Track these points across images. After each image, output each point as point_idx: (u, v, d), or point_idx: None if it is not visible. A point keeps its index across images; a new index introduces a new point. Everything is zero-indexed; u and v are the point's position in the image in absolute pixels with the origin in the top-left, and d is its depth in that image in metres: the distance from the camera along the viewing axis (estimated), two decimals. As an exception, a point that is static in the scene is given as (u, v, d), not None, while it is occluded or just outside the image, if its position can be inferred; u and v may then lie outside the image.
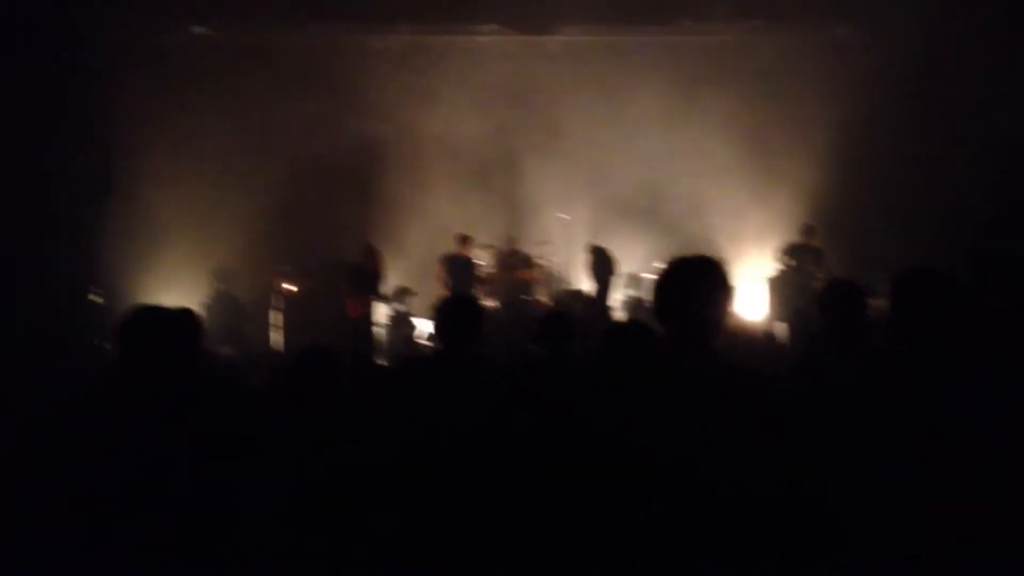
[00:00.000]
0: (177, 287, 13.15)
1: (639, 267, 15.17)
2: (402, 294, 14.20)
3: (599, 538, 2.59)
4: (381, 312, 14.07)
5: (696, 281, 2.80)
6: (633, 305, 14.46)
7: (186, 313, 3.52)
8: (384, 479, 3.78)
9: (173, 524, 3.08)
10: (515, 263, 14.27)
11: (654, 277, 10.90)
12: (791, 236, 14.25)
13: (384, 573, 3.63)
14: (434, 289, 13.95)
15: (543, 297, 14.27)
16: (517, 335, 12.02)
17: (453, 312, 4.64)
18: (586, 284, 14.25)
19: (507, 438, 3.64)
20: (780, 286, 14.01)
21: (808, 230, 13.97)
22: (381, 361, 11.91)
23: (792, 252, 13.93)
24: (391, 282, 14.17)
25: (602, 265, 13.98)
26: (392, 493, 3.73)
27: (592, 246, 14.20)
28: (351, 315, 12.50)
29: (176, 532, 3.08)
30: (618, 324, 4.33)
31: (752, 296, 13.84)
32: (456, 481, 3.66)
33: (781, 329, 11.58)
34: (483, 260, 14.48)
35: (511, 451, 3.37)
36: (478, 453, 3.69)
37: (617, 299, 14.57)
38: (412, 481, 3.75)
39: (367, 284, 12.60)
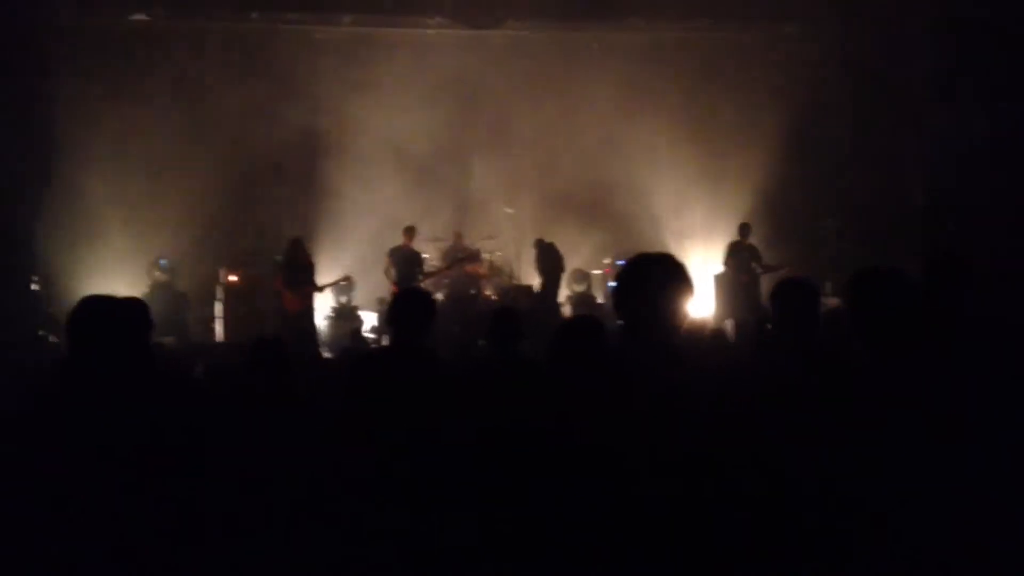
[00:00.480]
0: (117, 277, 12.89)
1: (586, 263, 15.22)
2: (345, 286, 14.09)
3: (554, 533, 2.57)
4: (325, 305, 13.96)
5: (658, 278, 2.80)
6: (581, 301, 14.52)
7: (135, 303, 3.44)
8: (338, 474, 3.73)
9: (134, 518, 3.01)
10: (461, 257, 14.23)
11: (602, 273, 10.93)
12: (735, 234, 14.40)
13: (341, 569, 3.59)
14: (379, 281, 13.87)
15: (490, 292, 14.25)
16: (464, 330, 11.98)
17: (404, 304, 4.59)
18: (534, 279, 14.28)
19: (461, 434, 3.61)
20: (724, 284, 14.17)
21: (743, 228, 14.10)
22: (327, 354, 11.79)
23: (730, 251, 14.08)
24: (335, 274, 14.06)
25: (550, 260, 14.03)
26: (347, 488, 3.68)
27: (540, 241, 14.23)
28: (289, 309, 12.39)
29: (135, 526, 3.02)
30: (571, 320, 4.31)
31: (699, 293, 13.96)
32: (411, 477, 3.62)
33: (729, 326, 11.70)
34: (429, 253, 14.41)
35: (466, 447, 3.34)
36: (433, 449, 3.65)
37: (564, 294, 14.62)
38: (367, 476, 3.71)
39: (300, 277, 12.51)
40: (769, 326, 5.49)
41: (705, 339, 8.35)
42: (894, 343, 3.20)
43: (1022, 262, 9.93)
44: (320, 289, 12.81)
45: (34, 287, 11.56)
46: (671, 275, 2.82)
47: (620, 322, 2.94)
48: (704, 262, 14.11)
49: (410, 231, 13.76)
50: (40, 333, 11.26)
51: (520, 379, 4.57)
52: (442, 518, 3.50)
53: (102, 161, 13.63)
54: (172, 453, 3.16)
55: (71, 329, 3.23)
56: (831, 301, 9.10)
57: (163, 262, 13.33)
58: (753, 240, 14.10)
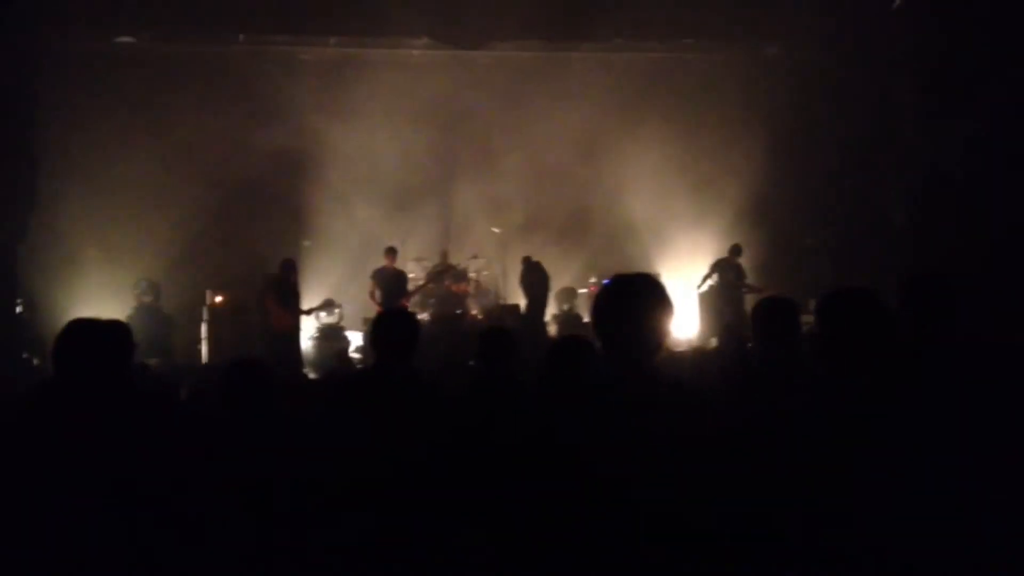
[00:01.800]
0: (102, 299, 12.86)
1: (572, 282, 15.26)
2: (330, 307, 14.09)
3: (544, 555, 2.58)
4: (310, 326, 13.96)
5: (637, 297, 2.81)
6: (567, 320, 14.54)
7: (118, 325, 3.47)
8: (322, 496, 3.73)
9: (119, 537, 3.03)
10: (447, 276, 14.24)
11: (587, 292, 10.95)
12: (721, 253, 14.46)
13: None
14: (365, 301, 13.88)
15: (475, 311, 14.26)
16: (450, 349, 11.97)
17: (389, 326, 4.58)
18: (519, 298, 14.31)
19: (452, 456, 3.62)
20: (709, 302, 14.22)
21: (735, 249, 14.21)
22: (312, 375, 11.78)
23: (716, 268, 14.16)
24: (319, 296, 14.08)
25: (536, 279, 14.05)
26: (333, 511, 3.68)
27: (527, 259, 14.26)
28: (277, 328, 12.38)
29: (112, 544, 3.03)
30: (562, 340, 4.32)
31: (683, 312, 14.01)
32: (399, 499, 3.62)
33: (712, 344, 11.74)
34: (415, 273, 14.43)
35: (457, 469, 3.35)
36: (422, 471, 3.66)
37: (550, 313, 14.64)
38: (353, 499, 3.71)
39: (290, 297, 12.54)
40: (750, 345, 5.54)
41: (687, 357, 8.38)
42: (856, 363, 3.22)
43: (1003, 281, 10.03)
44: (307, 313, 12.85)
45: (18, 310, 11.50)
46: (648, 294, 2.83)
47: (598, 343, 2.95)
48: (689, 280, 14.16)
49: (392, 252, 13.76)
50: (24, 355, 11.21)
51: (510, 399, 4.58)
52: (430, 539, 3.51)
53: (87, 183, 13.63)
54: (150, 472, 3.17)
55: (56, 351, 3.26)
56: (811, 320, 9.13)
57: (147, 283, 13.29)
58: (740, 261, 14.20)
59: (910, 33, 12.86)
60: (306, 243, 14.94)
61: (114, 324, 3.48)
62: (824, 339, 3.35)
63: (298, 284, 12.84)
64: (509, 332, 5.27)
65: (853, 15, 13.54)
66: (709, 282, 14.17)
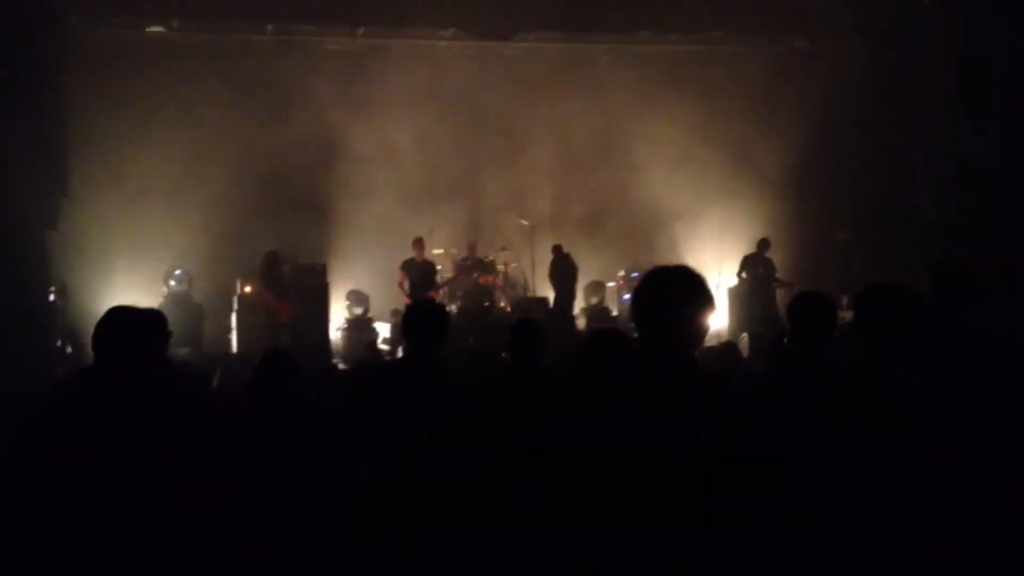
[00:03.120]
0: (133, 288, 12.95)
1: (600, 275, 15.22)
2: (358, 299, 14.14)
3: (582, 549, 2.57)
4: (339, 316, 14.01)
5: (678, 291, 2.79)
6: (595, 313, 14.51)
7: (156, 314, 3.49)
8: (354, 484, 3.74)
9: (155, 524, 3.07)
10: (475, 268, 14.24)
11: (616, 285, 10.88)
12: (749, 247, 14.38)
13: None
14: (392, 293, 13.91)
15: (504, 303, 14.25)
16: (479, 341, 11.98)
17: (418, 317, 4.60)
18: (548, 291, 14.29)
19: (487, 445, 3.62)
20: (738, 296, 14.16)
21: (763, 243, 14.15)
22: (341, 365, 11.81)
23: (746, 263, 14.10)
24: (348, 286, 14.14)
25: (564, 270, 14.04)
26: (365, 499, 3.69)
27: (557, 248, 14.25)
28: (283, 320, 12.54)
29: (155, 532, 3.07)
30: (597, 333, 4.30)
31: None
32: (433, 486, 3.63)
33: (744, 340, 11.68)
34: (443, 265, 14.44)
35: (492, 458, 3.35)
36: (455, 459, 3.66)
37: (579, 306, 14.62)
38: (385, 487, 3.71)
39: (283, 287, 12.69)
40: (786, 340, 5.48)
41: (717, 352, 8.33)
42: (896, 356, 3.21)
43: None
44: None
45: (51, 298, 11.59)
46: (691, 288, 2.81)
47: (636, 335, 2.93)
48: (718, 275, 14.08)
49: (419, 242, 13.80)
50: (57, 344, 11.29)
51: (543, 390, 4.57)
52: (456, 529, 3.52)
53: (118, 172, 13.71)
54: (181, 457, 3.21)
55: (97, 337, 3.30)
56: (846, 316, 9.05)
57: (179, 273, 13.37)
58: (769, 255, 14.11)
59: (942, 26, 12.73)
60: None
61: (152, 313, 3.51)
62: (862, 332, 3.34)
63: (287, 275, 12.96)
64: (540, 324, 5.26)
65: (885, 8, 13.41)
66: (742, 277, 14.13)
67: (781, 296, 13.47)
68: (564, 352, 5.39)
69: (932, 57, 13.17)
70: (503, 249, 14.73)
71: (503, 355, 5.76)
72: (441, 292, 13.77)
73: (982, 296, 4.10)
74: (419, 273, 13.65)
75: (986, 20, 11.56)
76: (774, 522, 2.63)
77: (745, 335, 12.18)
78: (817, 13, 14.02)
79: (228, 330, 13.39)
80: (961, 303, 4.05)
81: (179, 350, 10.65)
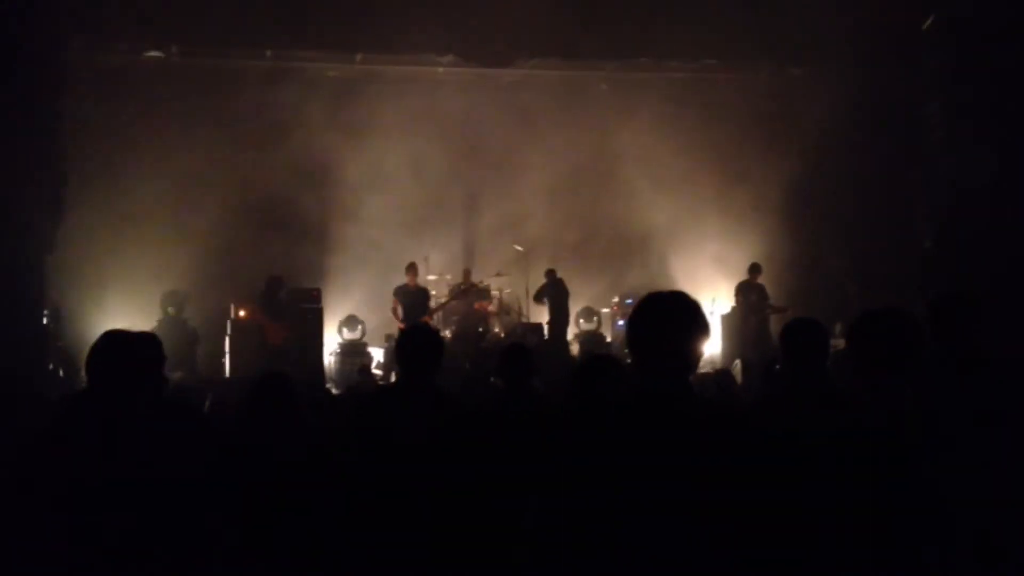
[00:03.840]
0: (127, 311, 12.91)
1: (594, 301, 15.23)
2: (351, 323, 14.15)
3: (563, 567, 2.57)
4: (332, 341, 14.00)
5: (673, 317, 2.79)
6: (589, 339, 14.51)
7: (151, 337, 3.49)
8: (346, 508, 3.73)
9: (147, 542, 3.08)
10: (469, 294, 14.24)
11: (610, 311, 10.87)
12: (743, 274, 14.40)
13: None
14: (386, 318, 13.93)
15: (498, 329, 14.25)
16: (473, 367, 11.97)
17: (411, 342, 4.58)
18: (542, 317, 14.29)
19: (476, 469, 3.62)
20: (732, 324, 14.16)
21: (754, 268, 14.17)
22: (334, 390, 11.78)
23: (739, 291, 14.12)
24: (343, 311, 14.15)
25: (559, 295, 14.06)
26: (356, 522, 3.68)
27: (551, 272, 14.27)
28: (272, 341, 12.58)
29: (151, 553, 3.08)
30: (590, 358, 4.30)
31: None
32: (423, 511, 3.62)
33: (737, 366, 11.68)
34: (437, 291, 14.45)
35: (477, 481, 3.34)
36: (446, 483, 3.66)
37: (572, 332, 14.61)
38: (374, 510, 3.71)
39: (280, 312, 12.74)
40: (778, 366, 5.49)
41: (712, 379, 8.33)
42: (893, 381, 3.21)
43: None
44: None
45: (44, 320, 11.56)
46: (686, 314, 2.81)
47: (630, 361, 2.93)
48: (712, 302, 14.09)
49: (413, 268, 13.82)
50: (51, 367, 11.25)
51: (533, 415, 4.56)
52: (449, 552, 3.51)
53: (114, 195, 13.71)
54: (179, 480, 3.21)
55: (92, 360, 3.30)
56: (839, 343, 9.05)
57: (173, 296, 13.35)
58: (762, 280, 14.13)
59: (939, 53, 12.80)
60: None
61: (147, 336, 3.51)
62: (858, 358, 3.34)
63: (286, 297, 12.99)
64: (529, 349, 5.24)
65: (881, 36, 13.48)
66: (733, 305, 14.15)
67: (776, 321, 13.46)
68: (559, 377, 5.39)
69: (929, 83, 13.23)
70: (498, 275, 14.74)
71: (492, 380, 5.76)
72: (434, 317, 13.76)
73: (981, 322, 4.10)
74: (412, 299, 13.66)
75: (984, 46, 11.62)
76: (778, 552, 2.62)
77: (738, 361, 12.18)
78: (813, 40, 14.10)
79: (222, 354, 13.36)
80: (961, 329, 4.05)
81: (173, 374, 10.61)
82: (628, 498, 2.56)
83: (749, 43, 14.58)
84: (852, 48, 13.82)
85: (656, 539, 2.53)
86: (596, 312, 15.17)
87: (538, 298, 14.27)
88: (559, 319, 14.05)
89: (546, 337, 13.79)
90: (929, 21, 13.08)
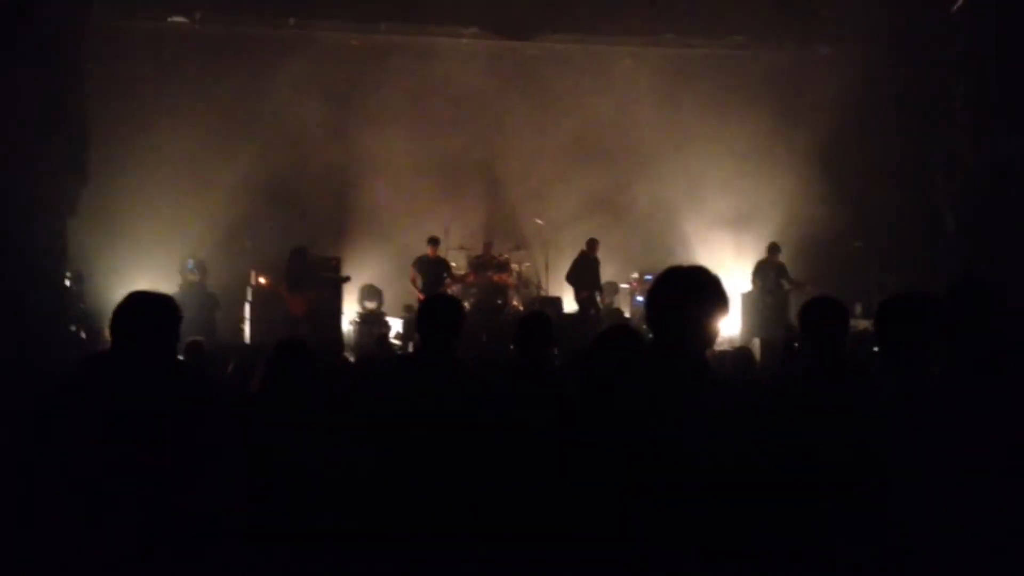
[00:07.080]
0: (148, 276, 12.96)
1: (614, 276, 15.21)
2: (371, 294, 14.18)
3: (588, 537, 2.58)
4: (351, 310, 14.05)
5: (693, 292, 2.79)
6: (609, 314, 14.49)
7: (169, 300, 3.52)
8: (361, 476, 3.75)
9: (168, 506, 3.11)
10: (489, 267, 14.24)
11: (629, 287, 10.83)
12: (764, 252, 14.34)
13: (365, 568, 3.61)
14: (405, 289, 13.97)
15: (517, 302, 14.26)
16: (491, 339, 11.99)
17: (432, 311, 4.58)
18: (561, 290, 14.29)
19: (493, 438, 3.63)
20: (751, 302, 14.11)
21: (772, 248, 14.09)
22: (352, 358, 11.83)
23: (758, 269, 14.05)
24: (362, 281, 14.18)
25: (594, 269, 14.08)
26: (371, 490, 3.70)
27: (592, 244, 14.27)
28: (293, 312, 12.61)
29: (168, 514, 3.11)
30: (610, 329, 4.29)
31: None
32: (437, 479, 3.64)
33: (756, 344, 11.64)
34: (457, 263, 14.46)
35: (498, 450, 3.35)
36: (462, 452, 3.67)
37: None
38: (390, 479, 3.72)
39: (302, 282, 12.76)
40: (797, 344, 5.48)
41: (731, 357, 8.30)
42: (916, 364, 3.19)
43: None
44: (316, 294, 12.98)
45: (66, 283, 11.63)
46: (705, 289, 2.81)
47: (651, 335, 2.93)
48: (732, 280, 14.04)
49: (434, 241, 13.88)
50: (72, 328, 11.33)
51: (547, 385, 4.57)
52: (466, 520, 3.52)
53: (137, 159, 13.78)
54: (190, 441, 3.25)
55: (117, 319, 3.36)
56: (860, 323, 9.01)
57: (193, 262, 13.39)
58: (781, 259, 14.06)
59: (968, 34, 12.66)
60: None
61: (166, 298, 3.55)
62: (883, 340, 3.33)
63: (312, 268, 13.00)
64: (548, 318, 5.23)
65: (910, 15, 13.34)
66: (753, 284, 14.10)
67: (796, 302, 13.40)
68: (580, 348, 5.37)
69: (955, 64, 13.10)
70: (517, 248, 14.72)
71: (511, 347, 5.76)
72: (453, 289, 13.78)
73: (1002, 306, 4.07)
74: (432, 270, 13.71)
75: (1013, 29, 11.48)
76: (790, 530, 2.63)
77: (757, 340, 12.14)
78: (842, 19, 13.98)
79: (241, 321, 13.43)
80: (982, 312, 4.02)
81: (192, 338, 10.67)
82: (633, 469, 2.57)
83: (776, 20, 14.46)
84: (880, 28, 13.68)
85: (663, 510, 2.54)
86: (616, 287, 15.16)
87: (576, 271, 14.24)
88: (592, 291, 14.13)
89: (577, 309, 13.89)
90: (959, 2, 12.92)
